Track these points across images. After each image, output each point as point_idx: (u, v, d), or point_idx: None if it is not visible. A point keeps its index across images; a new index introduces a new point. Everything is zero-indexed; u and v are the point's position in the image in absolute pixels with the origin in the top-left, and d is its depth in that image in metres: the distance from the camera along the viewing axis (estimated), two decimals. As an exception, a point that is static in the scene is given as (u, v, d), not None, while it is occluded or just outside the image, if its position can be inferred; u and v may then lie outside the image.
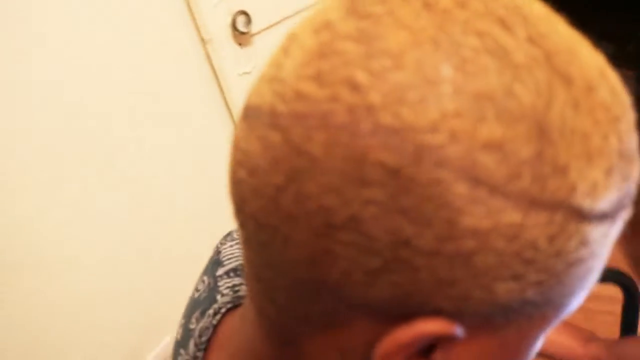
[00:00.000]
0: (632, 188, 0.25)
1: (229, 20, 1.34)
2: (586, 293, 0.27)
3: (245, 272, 0.32)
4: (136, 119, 1.27)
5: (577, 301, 0.27)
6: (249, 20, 1.36)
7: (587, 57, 0.23)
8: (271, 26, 1.45)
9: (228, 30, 1.36)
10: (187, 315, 0.46)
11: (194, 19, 1.33)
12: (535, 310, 0.25)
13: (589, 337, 0.67)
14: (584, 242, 0.23)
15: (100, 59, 1.18)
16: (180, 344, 0.44)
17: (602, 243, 0.24)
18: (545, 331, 0.28)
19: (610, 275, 0.88)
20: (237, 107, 1.44)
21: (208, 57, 1.38)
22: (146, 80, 1.28)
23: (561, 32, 0.24)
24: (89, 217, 1.22)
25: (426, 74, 0.21)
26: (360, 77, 0.22)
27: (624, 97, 0.24)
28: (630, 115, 0.24)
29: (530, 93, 0.21)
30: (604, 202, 0.23)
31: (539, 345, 0.29)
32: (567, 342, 0.67)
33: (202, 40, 1.35)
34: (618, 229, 0.25)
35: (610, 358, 0.64)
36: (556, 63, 0.22)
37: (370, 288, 0.24)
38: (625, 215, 0.25)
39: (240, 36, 1.38)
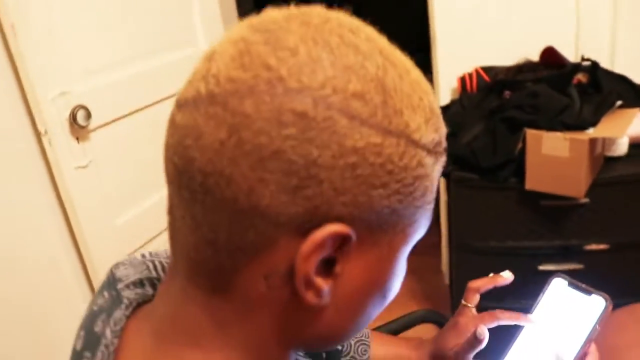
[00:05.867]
0: (443, 138, 0.39)
1: (67, 114, 1.38)
2: (428, 219, 0.40)
3: (176, 239, 0.40)
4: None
5: (424, 223, 0.40)
6: (88, 115, 1.41)
7: (399, 53, 0.39)
8: (109, 123, 1.51)
9: (65, 124, 1.39)
10: (89, 323, 0.48)
11: (29, 111, 1.35)
12: (399, 221, 0.37)
13: (418, 343, 0.81)
14: (421, 163, 0.37)
15: None
16: (85, 348, 0.46)
17: (432, 169, 0.38)
18: (406, 250, 0.40)
19: (427, 315, 1.05)
20: (71, 201, 1.43)
21: (42, 150, 1.38)
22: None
23: (379, 37, 0.38)
24: None
25: (312, 57, 0.34)
26: (272, 62, 0.34)
27: (426, 81, 0.40)
28: (432, 93, 0.39)
29: (373, 67, 0.35)
30: (427, 139, 0.37)
31: (403, 268, 0.41)
32: (404, 352, 0.80)
33: (37, 132, 1.36)
34: (440, 168, 0.40)
35: (433, 349, 0.78)
36: (385, 54, 0.37)
37: (290, 205, 0.34)
38: (442, 161, 0.40)
39: (78, 130, 1.42)
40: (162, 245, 1.74)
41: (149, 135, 1.67)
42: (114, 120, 1.53)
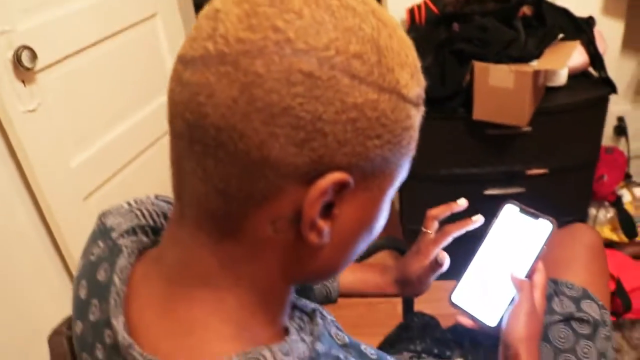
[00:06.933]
0: (423, 91, 0.43)
1: (10, 55, 1.32)
2: (410, 163, 0.45)
3: (184, 189, 0.42)
4: None
5: (407, 166, 0.44)
6: (34, 56, 1.35)
7: (387, 13, 0.42)
8: (57, 62, 1.46)
9: (9, 67, 1.33)
10: (90, 272, 0.50)
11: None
12: (388, 166, 0.41)
13: (383, 268, 0.88)
14: (408, 116, 0.41)
15: None
16: (90, 295, 0.49)
17: (415, 120, 0.43)
18: (392, 191, 0.45)
19: (387, 243, 1.12)
20: (21, 146, 1.39)
21: (-14, 94, 1.33)
22: None
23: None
24: None
25: (316, 19, 0.37)
26: (280, 24, 0.36)
27: (408, 37, 0.43)
28: (413, 48, 0.43)
29: (369, 28, 0.38)
30: (413, 93, 0.41)
31: (388, 207, 0.46)
32: (370, 277, 0.87)
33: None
34: (420, 118, 0.44)
35: (397, 274, 0.86)
36: (377, 14, 0.40)
37: (298, 156, 0.37)
38: (422, 111, 0.44)
39: (24, 72, 1.36)
40: (119, 185, 1.74)
41: (99, 73, 1.63)
42: (61, 60, 1.47)
